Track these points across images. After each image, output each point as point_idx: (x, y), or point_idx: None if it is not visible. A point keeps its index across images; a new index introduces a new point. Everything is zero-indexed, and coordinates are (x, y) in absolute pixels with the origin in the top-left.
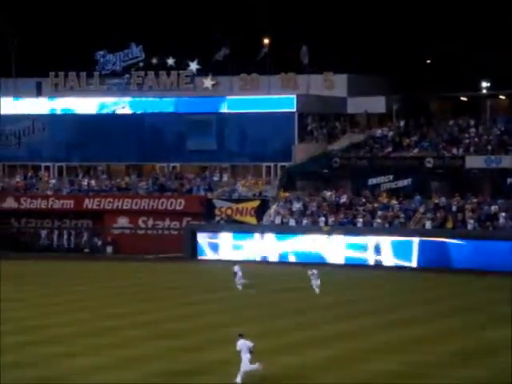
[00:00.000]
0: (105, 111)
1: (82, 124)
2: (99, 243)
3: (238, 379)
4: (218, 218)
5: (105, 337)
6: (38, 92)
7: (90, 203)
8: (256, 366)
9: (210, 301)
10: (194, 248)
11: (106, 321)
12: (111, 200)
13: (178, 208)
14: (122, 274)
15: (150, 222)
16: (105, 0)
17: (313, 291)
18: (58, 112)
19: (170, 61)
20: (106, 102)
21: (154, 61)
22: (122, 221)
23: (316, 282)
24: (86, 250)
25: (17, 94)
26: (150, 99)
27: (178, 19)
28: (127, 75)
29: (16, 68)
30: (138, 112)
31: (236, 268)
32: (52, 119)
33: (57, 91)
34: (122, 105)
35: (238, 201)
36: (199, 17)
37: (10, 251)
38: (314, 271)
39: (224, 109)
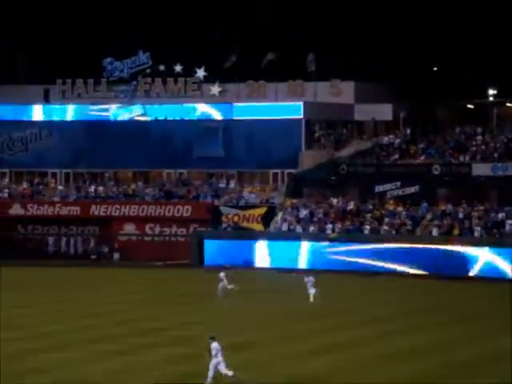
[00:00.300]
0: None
1: (88, 131)
2: (106, 250)
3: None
4: (224, 225)
5: (110, 343)
6: (46, 99)
7: (96, 210)
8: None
9: (214, 307)
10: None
11: (113, 327)
12: (118, 207)
13: (184, 215)
14: (129, 280)
15: (157, 229)
16: (112, 7)
17: (309, 298)
18: (65, 119)
19: (178, 68)
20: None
21: (162, 68)
22: (129, 227)
23: (311, 290)
24: (93, 257)
25: (24, 100)
26: (157, 106)
27: (185, 26)
28: (134, 82)
29: (24, 75)
30: (146, 119)
31: (221, 275)
32: (59, 126)
33: (64, 98)
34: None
35: (245, 207)
36: (206, 24)
37: (16, 258)
38: (311, 278)
39: (231, 116)
